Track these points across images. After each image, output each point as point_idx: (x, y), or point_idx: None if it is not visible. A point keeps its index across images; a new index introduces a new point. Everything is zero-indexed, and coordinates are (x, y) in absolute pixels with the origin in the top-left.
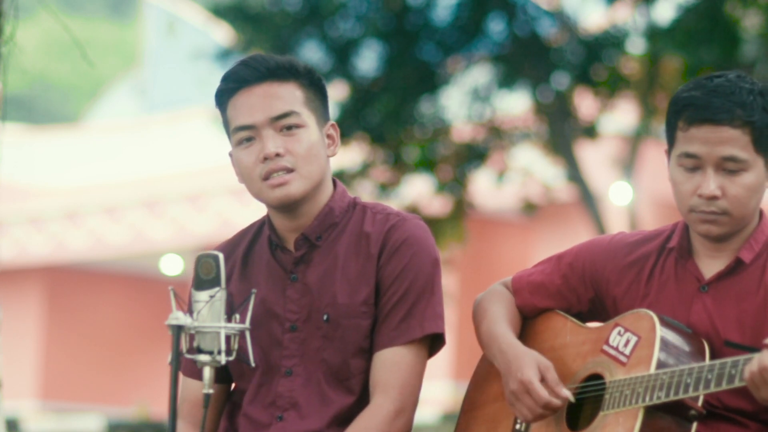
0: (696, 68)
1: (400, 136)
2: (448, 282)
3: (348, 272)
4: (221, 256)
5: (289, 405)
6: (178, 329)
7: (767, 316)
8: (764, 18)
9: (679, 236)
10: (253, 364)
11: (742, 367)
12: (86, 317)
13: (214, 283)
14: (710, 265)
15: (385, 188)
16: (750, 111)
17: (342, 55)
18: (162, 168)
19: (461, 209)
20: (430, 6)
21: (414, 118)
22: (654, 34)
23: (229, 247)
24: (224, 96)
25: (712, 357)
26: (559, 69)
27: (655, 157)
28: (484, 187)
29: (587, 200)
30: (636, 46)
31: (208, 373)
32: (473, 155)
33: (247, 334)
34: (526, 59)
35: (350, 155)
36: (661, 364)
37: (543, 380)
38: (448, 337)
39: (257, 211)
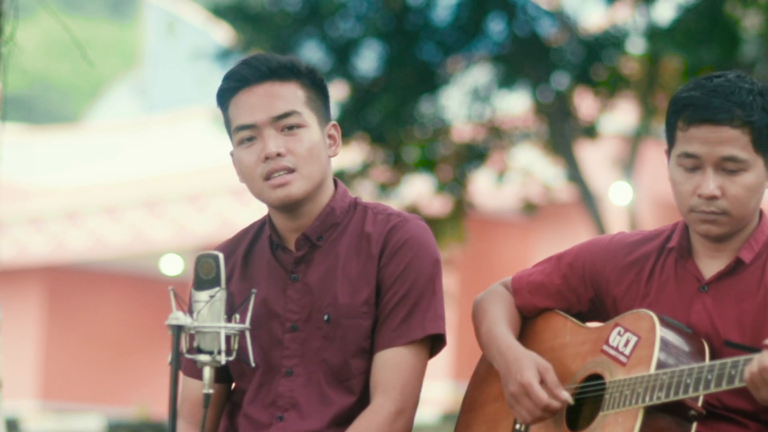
0: (696, 68)
1: (400, 136)
2: (448, 282)
3: (349, 272)
4: (221, 256)
5: (290, 405)
6: (178, 329)
7: (767, 316)
8: (764, 18)
9: (679, 236)
10: (252, 364)
11: (742, 368)
12: (86, 317)
13: (214, 283)
14: (710, 265)
15: (385, 188)
16: (749, 111)
17: (342, 55)
18: (162, 168)
19: (461, 209)
20: (430, 6)
21: (414, 118)
22: (654, 34)
23: (230, 247)
24: (226, 95)
25: (712, 357)
26: (559, 69)
27: (655, 157)
28: (484, 187)
29: (587, 200)
30: (636, 46)
31: (208, 373)
32: (473, 155)
33: (247, 334)
34: (526, 59)
35: (350, 155)
36: (661, 365)
37: (542, 382)
38: (448, 337)
39: (257, 211)
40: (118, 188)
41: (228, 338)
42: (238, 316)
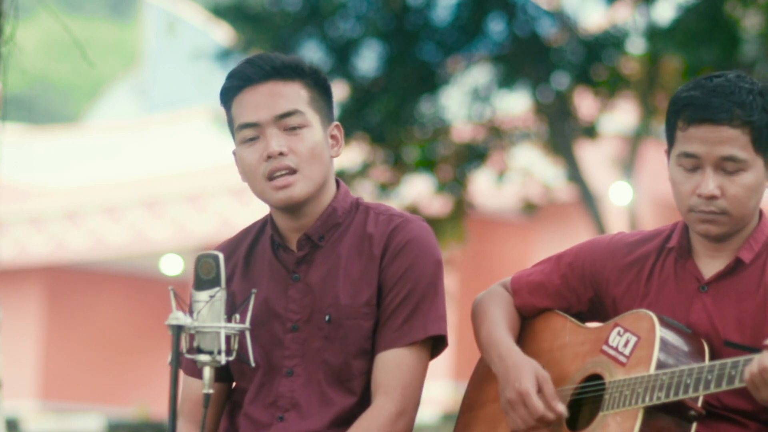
0: (696, 68)
1: (400, 136)
2: (448, 282)
3: (350, 273)
4: (221, 256)
5: (290, 405)
6: (178, 329)
7: (767, 316)
8: (764, 18)
9: (679, 236)
10: (252, 365)
11: (742, 368)
12: (86, 317)
13: (214, 283)
14: (710, 265)
15: (385, 188)
16: (749, 111)
17: (342, 55)
18: (162, 168)
19: (461, 209)
20: (430, 6)
21: (414, 118)
22: (654, 34)
23: (231, 247)
24: (229, 94)
25: (712, 357)
26: (559, 69)
27: (655, 157)
28: (484, 187)
29: (587, 200)
30: (636, 46)
31: (208, 373)
32: (473, 155)
33: (247, 334)
34: (526, 59)
35: (350, 155)
36: (660, 365)
37: (540, 392)
38: (448, 337)
39: (257, 211)
40: (118, 188)
41: (228, 338)
42: (238, 316)
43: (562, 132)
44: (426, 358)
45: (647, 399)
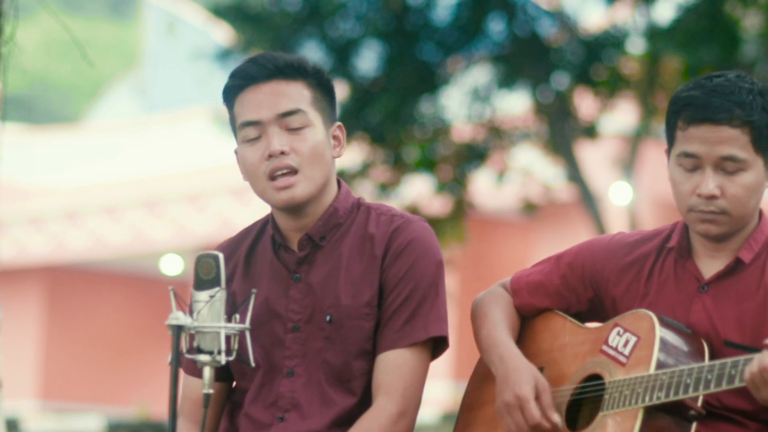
0: (696, 68)
1: (400, 136)
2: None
3: (352, 273)
4: (221, 256)
5: (291, 405)
6: (178, 329)
7: (767, 316)
8: (764, 18)
9: (679, 236)
10: (252, 365)
11: (742, 368)
12: (86, 317)
13: (214, 283)
14: (710, 265)
15: (385, 188)
16: (749, 111)
17: (342, 55)
18: (162, 168)
19: (461, 209)
20: (430, 6)
21: (414, 118)
22: (654, 34)
23: (232, 246)
24: (232, 92)
25: (712, 357)
26: (559, 69)
27: (655, 157)
28: (484, 187)
29: (587, 200)
30: (636, 46)
31: (208, 373)
32: (473, 155)
33: (247, 334)
34: (526, 59)
35: (350, 155)
36: (660, 365)
37: (537, 399)
38: (449, 338)
39: (258, 211)
40: (118, 188)
41: (228, 338)
42: (238, 316)
43: (562, 132)
44: (427, 359)
45: (647, 399)
